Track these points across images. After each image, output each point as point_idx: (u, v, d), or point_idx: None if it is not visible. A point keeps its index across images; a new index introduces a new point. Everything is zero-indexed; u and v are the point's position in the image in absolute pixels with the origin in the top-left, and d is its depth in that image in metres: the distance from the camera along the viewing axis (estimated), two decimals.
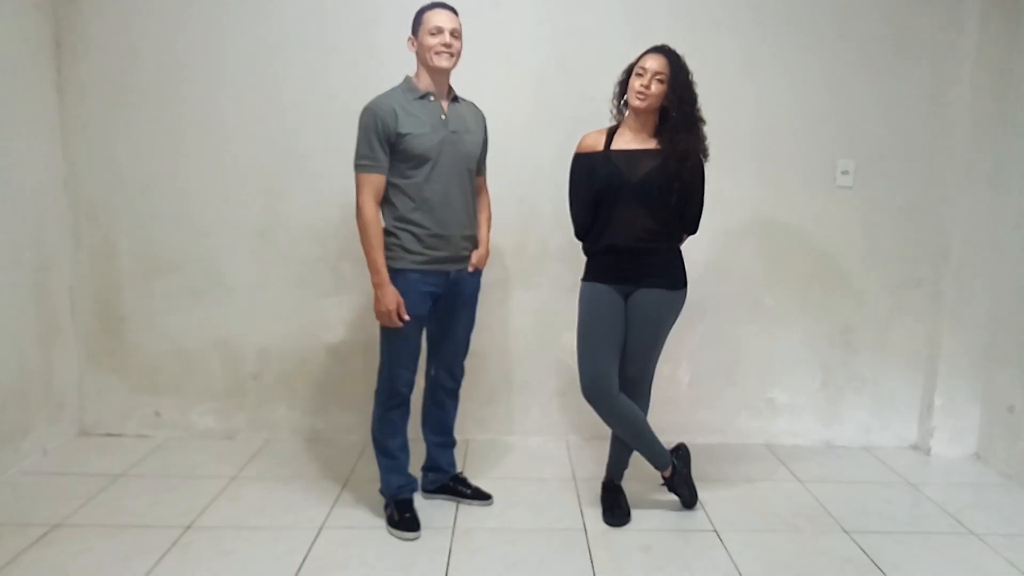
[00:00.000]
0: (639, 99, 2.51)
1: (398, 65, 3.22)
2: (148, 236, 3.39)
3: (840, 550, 2.59)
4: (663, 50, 2.52)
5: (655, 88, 2.49)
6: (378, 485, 2.75)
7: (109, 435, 3.48)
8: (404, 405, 2.66)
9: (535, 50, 3.30)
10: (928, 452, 3.49)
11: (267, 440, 3.48)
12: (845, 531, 2.72)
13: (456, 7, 2.54)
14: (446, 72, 2.53)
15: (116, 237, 3.39)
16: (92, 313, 3.43)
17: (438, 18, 2.46)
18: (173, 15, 3.26)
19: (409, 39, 2.53)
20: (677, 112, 2.49)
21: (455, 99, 2.61)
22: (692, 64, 2.61)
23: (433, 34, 2.46)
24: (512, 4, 3.24)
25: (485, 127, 2.72)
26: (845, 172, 3.40)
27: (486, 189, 2.82)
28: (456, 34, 2.49)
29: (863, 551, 2.57)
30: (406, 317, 2.50)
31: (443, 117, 2.53)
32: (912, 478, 3.22)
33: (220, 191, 3.37)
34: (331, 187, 3.35)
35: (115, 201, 3.37)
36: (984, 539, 2.69)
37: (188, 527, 2.63)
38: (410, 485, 2.73)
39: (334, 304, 3.44)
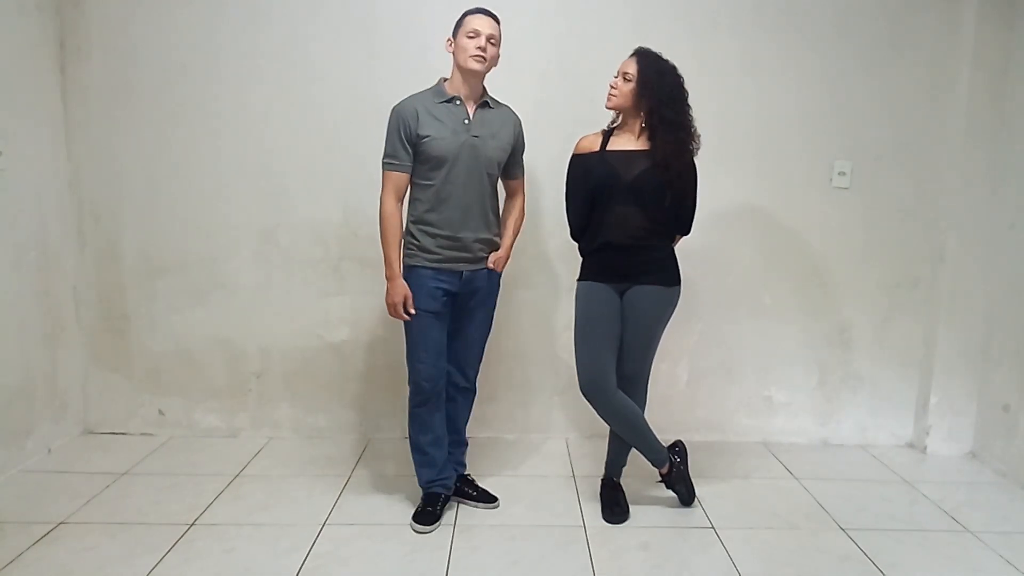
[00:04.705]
0: (607, 99, 2.60)
1: (398, 65, 3.27)
2: (151, 236, 3.41)
3: (837, 547, 2.61)
4: (637, 51, 2.59)
5: (622, 87, 2.55)
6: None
7: (113, 434, 3.51)
8: (431, 402, 2.68)
9: (535, 51, 3.32)
10: (924, 450, 3.51)
11: (269, 438, 3.50)
12: (842, 528, 2.74)
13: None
14: (478, 76, 2.57)
15: (120, 237, 3.41)
16: (96, 313, 3.45)
17: (476, 22, 2.52)
18: (175, 16, 3.28)
19: (448, 40, 2.58)
20: (651, 113, 2.53)
21: (485, 103, 2.63)
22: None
23: (470, 37, 2.51)
24: (512, 6, 3.25)
25: (518, 131, 2.74)
26: (842, 173, 3.42)
27: (521, 193, 2.84)
28: (493, 40, 2.53)
29: (860, 548, 2.60)
30: (412, 311, 2.56)
31: (466, 122, 2.56)
32: (908, 476, 3.25)
33: (222, 191, 3.39)
34: (333, 187, 3.38)
35: (119, 201, 3.39)
36: (980, 536, 2.71)
37: (191, 525, 2.65)
38: (442, 480, 2.74)
39: (336, 304, 3.47)
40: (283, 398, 3.54)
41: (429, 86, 2.64)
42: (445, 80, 2.61)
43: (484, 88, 2.64)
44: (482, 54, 2.51)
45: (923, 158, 3.43)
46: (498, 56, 2.59)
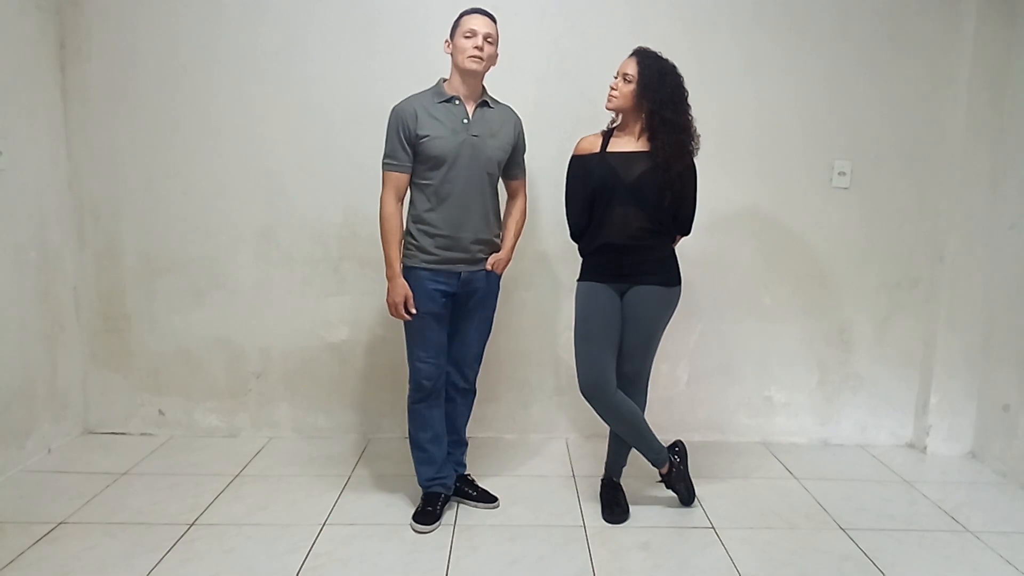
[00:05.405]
0: (607, 100, 2.60)
1: (398, 65, 3.27)
2: (151, 236, 3.41)
3: (837, 547, 2.61)
4: (636, 51, 2.59)
5: (622, 88, 2.55)
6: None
7: (113, 434, 3.51)
8: (430, 399, 2.69)
9: (535, 51, 3.32)
10: (924, 450, 3.51)
11: (269, 438, 3.50)
12: (842, 528, 2.74)
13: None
14: (476, 75, 2.57)
15: (120, 237, 3.41)
16: (96, 312, 3.46)
17: (473, 22, 2.52)
18: (175, 16, 3.28)
19: (446, 42, 2.59)
20: (651, 114, 2.53)
21: (485, 103, 2.63)
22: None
23: (467, 37, 2.51)
24: (512, 5, 3.26)
25: (519, 131, 2.74)
26: (842, 173, 3.42)
27: (523, 194, 2.83)
28: (490, 39, 2.53)
29: (860, 548, 2.60)
30: (413, 311, 2.57)
31: (465, 121, 2.56)
32: (908, 476, 3.25)
33: (223, 191, 3.39)
34: (333, 187, 3.38)
35: (119, 201, 3.39)
36: (980, 537, 2.71)
37: (191, 525, 2.66)
38: (441, 480, 2.75)
39: (336, 303, 3.47)
40: (283, 398, 3.54)
41: (429, 86, 2.64)
42: (444, 80, 2.62)
43: (484, 88, 2.64)
44: (479, 54, 2.50)
45: (923, 158, 3.43)
46: (496, 55, 2.59)
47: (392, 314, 2.61)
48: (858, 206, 3.46)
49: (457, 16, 2.57)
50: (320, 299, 3.47)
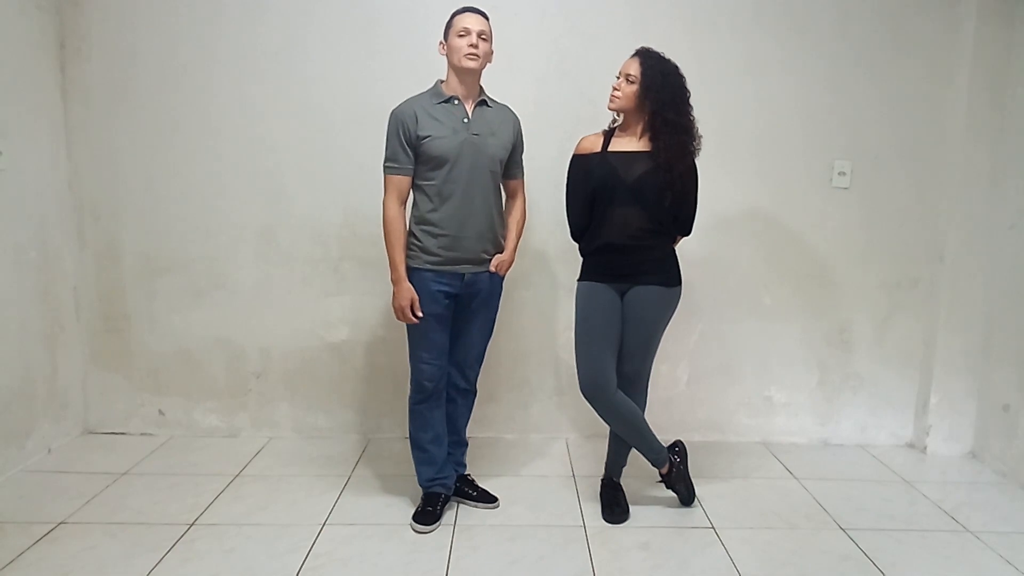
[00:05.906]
0: (610, 101, 2.59)
1: (398, 65, 3.27)
2: (151, 236, 3.41)
3: (837, 547, 2.61)
4: (639, 52, 2.58)
5: (625, 88, 2.55)
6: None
7: (113, 434, 3.51)
8: (431, 400, 2.69)
9: (535, 51, 3.32)
10: (924, 450, 3.51)
11: (269, 438, 3.50)
12: (842, 528, 2.74)
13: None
14: (473, 74, 2.56)
15: (120, 237, 3.41)
16: (96, 312, 3.46)
17: (466, 21, 2.52)
18: (175, 16, 3.28)
19: (440, 43, 2.59)
20: (654, 115, 2.53)
21: (483, 102, 2.63)
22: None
23: (461, 36, 2.50)
24: (512, 5, 3.26)
25: (517, 130, 2.73)
26: (842, 173, 3.42)
27: (522, 194, 2.82)
28: (484, 36, 2.53)
29: (860, 548, 2.60)
30: (419, 314, 2.56)
31: (465, 120, 2.56)
32: (908, 476, 3.25)
33: (223, 191, 3.39)
34: (333, 187, 3.38)
35: (119, 201, 3.39)
36: (980, 537, 2.71)
37: (191, 525, 2.65)
38: (442, 480, 2.75)
39: (336, 303, 3.47)
40: (283, 398, 3.54)
41: (429, 87, 2.64)
42: (442, 82, 2.61)
43: (481, 87, 2.64)
44: (475, 51, 2.50)
45: (923, 158, 3.43)
46: (491, 52, 2.59)
47: (398, 318, 2.60)
48: (858, 206, 3.46)
49: (449, 16, 2.57)
50: (320, 299, 3.47)
